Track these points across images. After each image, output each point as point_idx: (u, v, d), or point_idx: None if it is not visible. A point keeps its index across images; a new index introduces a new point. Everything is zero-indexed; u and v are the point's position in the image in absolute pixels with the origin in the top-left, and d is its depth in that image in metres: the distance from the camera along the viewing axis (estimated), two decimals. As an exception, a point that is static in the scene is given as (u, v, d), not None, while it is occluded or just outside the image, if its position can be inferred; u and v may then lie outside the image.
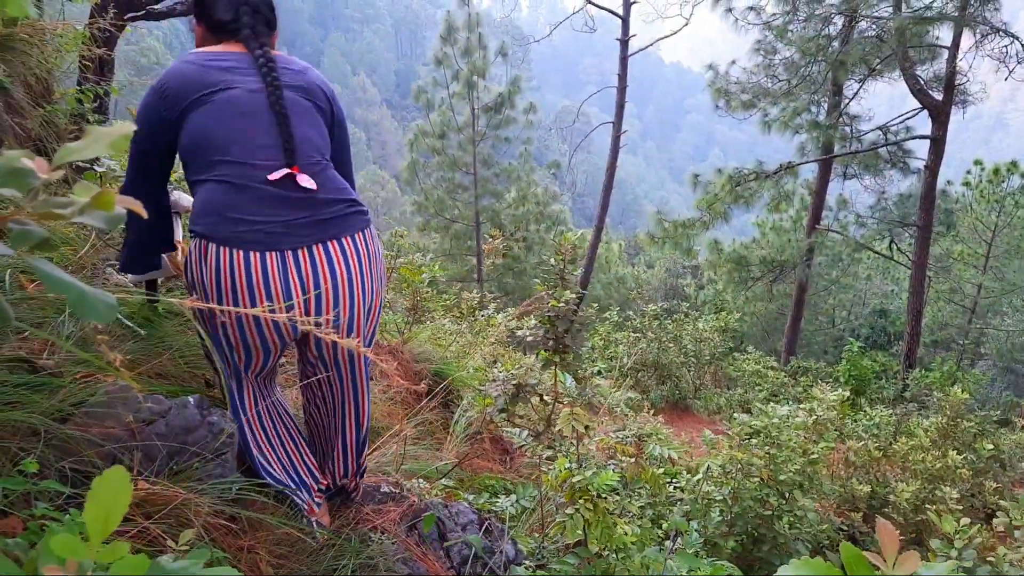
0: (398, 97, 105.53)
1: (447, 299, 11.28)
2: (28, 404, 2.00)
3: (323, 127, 2.41)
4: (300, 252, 2.22)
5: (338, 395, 2.57)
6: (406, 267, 5.72)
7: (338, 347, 2.41)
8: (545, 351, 5.40)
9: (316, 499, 2.61)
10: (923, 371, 17.53)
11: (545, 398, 5.56)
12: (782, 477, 6.61)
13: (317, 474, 2.66)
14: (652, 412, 12.53)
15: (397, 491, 2.91)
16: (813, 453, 7.08)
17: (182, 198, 2.80)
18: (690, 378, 12.54)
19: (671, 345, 12.15)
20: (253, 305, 2.16)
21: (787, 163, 18.93)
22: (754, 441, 6.96)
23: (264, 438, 2.53)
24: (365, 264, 2.36)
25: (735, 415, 12.05)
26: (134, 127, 1.01)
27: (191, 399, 2.28)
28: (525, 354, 12.04)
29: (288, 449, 2.59)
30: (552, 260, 5.43)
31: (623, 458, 3.87)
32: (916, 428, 9.56)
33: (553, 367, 5.47)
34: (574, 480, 2.79)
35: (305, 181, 2.22)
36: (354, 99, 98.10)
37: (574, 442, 3.13)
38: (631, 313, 15.09)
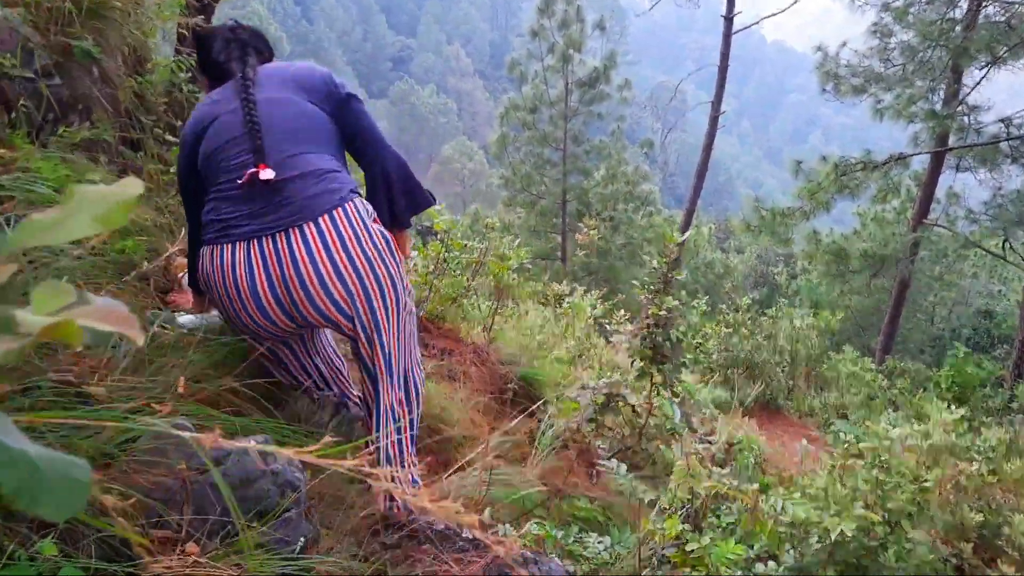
0: (491, 68, 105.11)
1: (534, 282, 10.91)
2: (68, 446, 1.71)
3: (318, 113, 2.50)
4: (264, 240, 2.28)
5: (369, 363, 2.53)
6: (494, 261, 5.36)
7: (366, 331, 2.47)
8: (642, 360, 4.99)
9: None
10: (1036, 382, 16.30)
11: (638, 409, 5.14)
12: (891, 505, 6.02)
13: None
14: (741, 413, 11.96)
15: (480, 539, 2.57)
16: (926, 480, 6.45)
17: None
18: (783, 378, 11.88)
19: (765, 343, 11.51)
20: (230, 294, 2.34)
21: (898, 154, 17.77)
22: (860, 463, 6.36)
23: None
24: (336, 245, 2.32)
25: (833, 424, 11.39)
26: (134, 191, 0.65)
27: (253, 440, 1.96)
28: (608, 341, 11.62)
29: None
30: (654, 262, 4.98)
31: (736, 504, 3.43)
32: (1035, 451, 8.71)
33: (649, 380, 5.06)
34: (689, 549, 2.40)
35: (266, 174, 2.26)
36: (447, 68, 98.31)
37: (682, 492, 2.72)
38: (721, 304, 14.43)
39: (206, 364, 2.37)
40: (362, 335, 2.44)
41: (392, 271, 2.45)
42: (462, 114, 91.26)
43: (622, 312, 9.03)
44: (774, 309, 14.90)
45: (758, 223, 18.50)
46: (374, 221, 2.46)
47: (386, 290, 2.43)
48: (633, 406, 5.05)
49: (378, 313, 2.42)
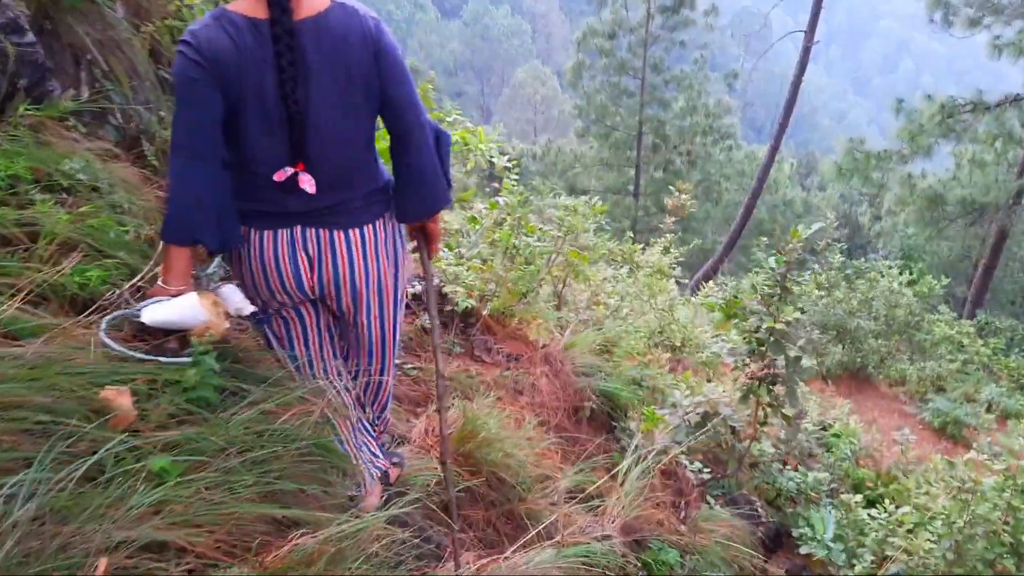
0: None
1: (606, 237, 9.92)
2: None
3: (360, 93, 2.12)
4: (308, 231, 2.24)
5: (355, 348, 2.59)
6: (574, 251, 4.44)
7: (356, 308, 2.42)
8: (751, 380, 4.08)
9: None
10: None
11: (739, 432, 4.27)
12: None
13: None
14: (828, 381, 10.90)
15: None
16: (1068, 509, 5.43)
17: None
18: (876, 345, 10.73)
19: (861, 309, 10.34)
20: (268, 271, 2.25)
21: (1015, 95, 15.85)
22: (988, 483, 5.35)
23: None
24: (369, 252, 2.33)
25: (931, 400, 10.26)
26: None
27: None
28: (689, 294, 10.60)
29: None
30: (772, 262, 4.00)
31: None
32: None
33: (755, 402, 4.15)
34: None
35: (307, 185, 2.13)
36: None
37: None
38: (815, 265, 13.20)
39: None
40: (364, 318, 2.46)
41: (392, 284, 2.45)
42: (536, 37, 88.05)
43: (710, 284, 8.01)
44: (862, 262, 13.57)
45: (851, 166, 16.93)
46: (393, 235, 2.42)
47: (385, 296, 2.45)
48: (734, 428, 4.17)
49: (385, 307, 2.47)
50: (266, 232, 2.19)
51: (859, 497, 5.74)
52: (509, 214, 4.89)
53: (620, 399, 4.35)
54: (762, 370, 3.95)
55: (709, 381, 7.03)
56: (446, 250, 4.36)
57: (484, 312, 4.22)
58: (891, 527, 5.57)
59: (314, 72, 2.00)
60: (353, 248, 2.27)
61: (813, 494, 5.59)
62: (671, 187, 21.42)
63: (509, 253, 4.25)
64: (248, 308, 2.18)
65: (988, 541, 4.97)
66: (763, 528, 4.24)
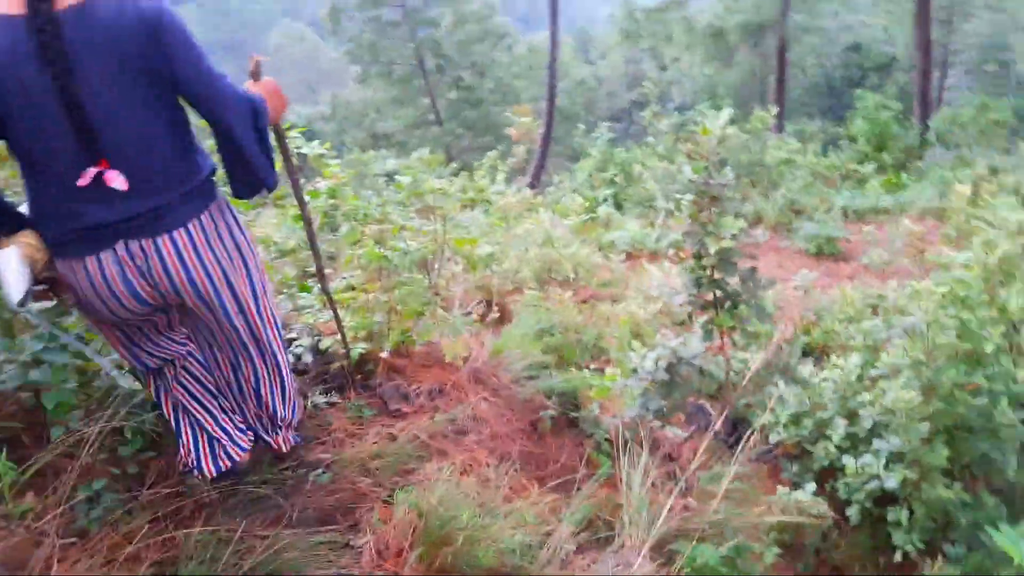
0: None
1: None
2: None
3: (145, 81, 1.90)
4: (131, 245, 2.03)
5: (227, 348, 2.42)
6: (459, 240, 3.51)
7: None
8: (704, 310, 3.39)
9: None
10: (948, 109, 15.62)
11: (712, 372, 3.61)
12: (988, 348, 4.82)
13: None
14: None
15: None
16: (1009, 303, 5.23)
17: None
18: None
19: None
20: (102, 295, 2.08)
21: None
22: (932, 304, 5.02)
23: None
24: (202, 249, 2.13)
25: (799, 228, 10.18)
26: None
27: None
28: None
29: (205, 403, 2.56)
30: (687, 168, 3.27)
31: None
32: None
33: (720, 334, 3.49)
34: None
35: (116, 182, 1.93)
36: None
37: None
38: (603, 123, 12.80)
39: None
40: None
41: (243, 275, 2.29)
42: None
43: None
44: (685, 117, 13.35)
45: (633, 27, 16.62)
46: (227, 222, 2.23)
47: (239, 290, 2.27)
48: (703, 370, 3.50)
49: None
50: (88, 259, 2.00)
51: (810, 367, 5.36)
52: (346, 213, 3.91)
53: (576, 388, 3.57)
54: (719, 297, 3.28)
55: (615, 302, 6.45)
56: (304, 293, 3.35)
57: (383, 353, 3.27)
58: (851, 384, 5.26)
59: (85, 63, 1.81)
60: (183, 250, 2.08)
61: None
62: (468, 103, 20.45)
63: (383, 268, 3.29)
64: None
65: (954, 366, 4.68)
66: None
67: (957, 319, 4.77)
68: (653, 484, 3.22)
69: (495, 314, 5.65)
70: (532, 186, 16.23)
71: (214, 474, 2.56)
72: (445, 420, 3.14)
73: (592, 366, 4.67)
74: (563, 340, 5.43)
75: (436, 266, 3.48)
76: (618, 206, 11.73)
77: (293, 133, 4.17)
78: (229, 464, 2.59)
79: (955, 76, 28.95)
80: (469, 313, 5.85)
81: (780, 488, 4.73)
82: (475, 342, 3.73)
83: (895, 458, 4.59)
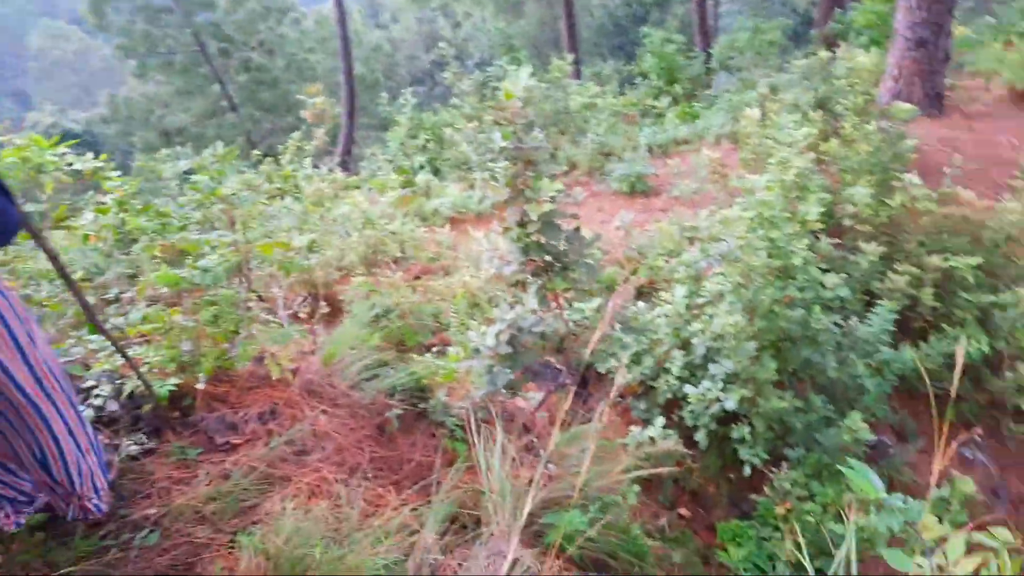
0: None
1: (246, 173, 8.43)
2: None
3: None
4: None
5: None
6: (265, 245, 3.18)
7: None
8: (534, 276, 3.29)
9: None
10: (725, 36, 16.49)
11: (552, 332, 3.54)
12: (797, 261, 5.09)
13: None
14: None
15: None
16: (808, 215, 5.55)
17: None
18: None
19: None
20: None
21: None
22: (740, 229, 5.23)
23: None
24: None
25: (611, 171, 10.41)
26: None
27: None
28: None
29: None
30: (497, 134, 3.12)
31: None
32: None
33: (552, 299, 3.41)
34: None
35: None
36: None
37: None
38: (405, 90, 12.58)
39: None
40: None
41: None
42: (23, -9, 73.90)
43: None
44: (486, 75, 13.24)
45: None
46: None
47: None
48: (543, 334, 3.43)
49: None
50: None
51: (641, 305, 5.49)
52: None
53: (420, 379, 3.40)
54: (543, 263, 3.20)
55: (448, 275, 6.30)
56: (92, 336, 2.94)
57: (199, 384, 2.93)
58: (681, 316, 5.43)
59: None
60: None
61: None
62: (263, 84, 19.45)
63: (184, 290, 2.93)
64: None
65: (770, 283, 4.92)
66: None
67: (767, 239, 5.02)
68: (513, 460, 3.14)
69: (324, 309, 5.35)
70: (344, 164, 15.66)
71: None
72: (282, 443, 2.88)
73: (435, 348, 4.51)
74: (401, 324, 5.22)
75: (246, 275, 3.16)
76: (436, 172, 11.51)
77: (61, 148, 3.69)
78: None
79: (727, 3, 30.65)
80: (295, 313, 5.52)
81: (632, 428, 4.84)
82: (306, 347, 3.45)
83: (731, 379, 4.80)
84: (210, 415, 2.94)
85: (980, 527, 1.53)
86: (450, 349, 4.16)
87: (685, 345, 5.20)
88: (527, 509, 2.67)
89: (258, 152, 12.75)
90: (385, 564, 2.33)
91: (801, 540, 4.41)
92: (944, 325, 5.87)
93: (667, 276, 6.16)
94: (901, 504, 1.44)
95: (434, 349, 4.26)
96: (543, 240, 3.26)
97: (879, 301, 5.64)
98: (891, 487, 5.47)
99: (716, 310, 4.98)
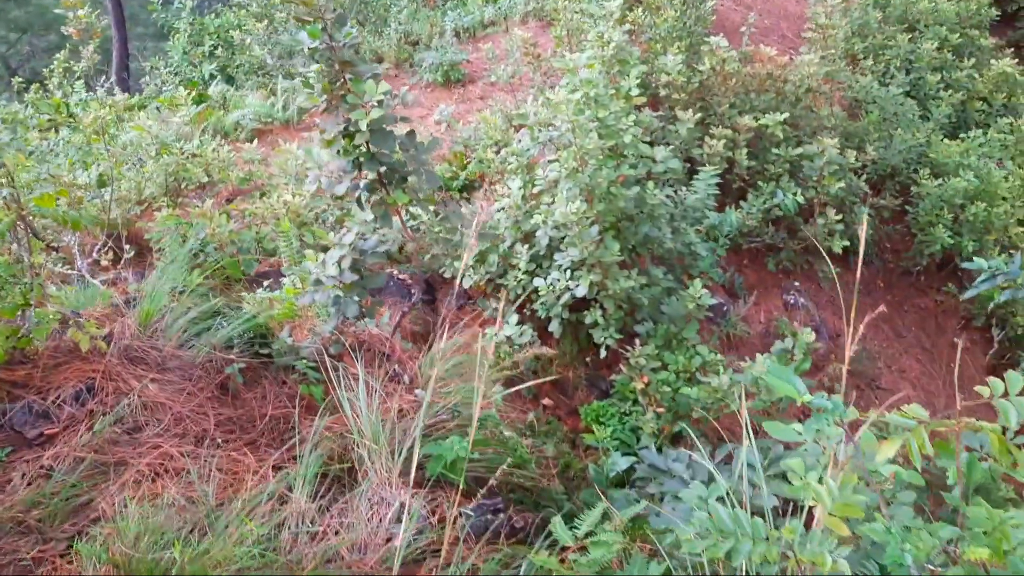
0: None
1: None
2: None
3: None
4: None
5: None
6: (43, 198, 2.59)
7: None
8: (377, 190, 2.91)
9: None
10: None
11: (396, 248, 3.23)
12: (627, 139, 4.98)
13: None
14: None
15: None
16: (631, 90, 5.40)
17: None
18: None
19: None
20: None
21: None
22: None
23: None
24: None
25: (420, 58, 9.84)
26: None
27: None
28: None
29: None
30: (303, 35, 2.65)
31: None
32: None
33: (394, 213, 3.06)
34: None
35: None
36: None
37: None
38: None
39: None
40: None
41: None
42: None
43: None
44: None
45: None
46: None
47: None
48: (388, 253, 3.12)
49: None
50: None
51: (478, 204, 5.26)
52: None
53: (258, 324, 3.01)
54: (377, 176, 2.85)
55: (264, 195, 5.71)
56: None
57: (-14, 376, 2.41)
58: (519, 208, 5.26)
59: None
60: None
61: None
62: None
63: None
64: None
65: (603, 164, 4.82)
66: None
67: (595, 119, 4.88)
68: (377, 392, 2.89)
69: (129, 252, 4.71)
70: (122, 83, 13.91)
71: None
72: (109, 424, 2.47)
73: (267, 280, 4.08)
74: (221, 257, 4.71)
75: (26, 230, 2.60)
76: (229, 80, 10.43)
77: None
78: None
79: None
80: (96, 262, 4.83)
81: (487, 330, 4.72)
82: (119, 303, 2.95)
83: (577, 266, 4.76)
84: (13, 405, 2.45)
85: (891, 408, 1.48)
86: (284, 280, 3.76)
87: (527, 238, 5.08)
88: (406, 447, 2.45)
89: (20, 78, 11.01)
90: (256, 543, 2.05)
91: (660, 410, 4.56)
92: (760, 182, 6.11)
93: (499, 168, 5.95)
94: (827, 403, 1.34)
95: (265, 284, 3.84)
96: (375, 150, 2.90)
97: (701, 168, 5.74)
98: (729, 344, 5.80)
99: (554, 198, 4.85)
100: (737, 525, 1.49)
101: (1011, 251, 6.42)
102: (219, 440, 2.52)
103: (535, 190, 5.10)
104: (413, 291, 4.95)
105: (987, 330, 6.55)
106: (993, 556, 1.44)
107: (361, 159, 2.92)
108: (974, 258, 3.42)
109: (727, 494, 3.58)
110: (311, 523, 2.21)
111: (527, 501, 2.97)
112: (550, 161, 4.97)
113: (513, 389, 2.83)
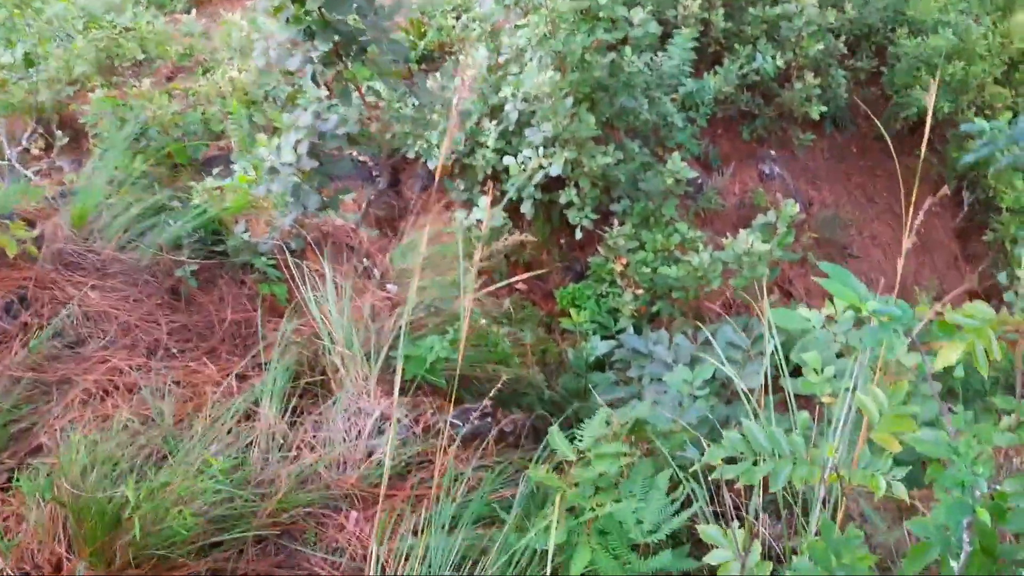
0: None
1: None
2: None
3: None
4: None
5: None
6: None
7: None
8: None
9: None
10: None
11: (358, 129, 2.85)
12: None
13: None
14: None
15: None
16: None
17: None
18: None
19: None
20: None
21: None
22: None
23: None
24: None
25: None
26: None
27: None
28: None
29: None
30: None
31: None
32: None
33: (358, 89, 2.65)
34: None
35: None
36: None
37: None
38: None
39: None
40: None
41: None
42: None
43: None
44: None
45: None
46: None
47: None
48: (349, 136, 2.75)
49: None
50: None
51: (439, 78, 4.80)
52: None
53: (210, 217, 2.66)
54: (335, 48, 2.45)
55: (208, 72, 5.16)
56: None
57: None
58: (486, 79, 4.83)
59: None
60: None
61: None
62: None
63: None
64: None
65: (577, 28, 4.38)
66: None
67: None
68: (346, 290, 2.62)
69: (63, 139, 4.24)
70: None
71: None
72: (48, 338, 2.17)
73: (216, 166, 3.67)
74: (166, 142, 4.27)
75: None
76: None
77: None
78: None
79: None
80: (26, 150, 4.35)
81: (456, 214, 4.41)
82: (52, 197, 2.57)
83: (550, 143, 4.42)
84: (-68, 325, 2.13)
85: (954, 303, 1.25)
86: (235, 167, 3.37)
87: (495, 113, 4.68)
88: (378, 347, 2.21)
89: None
90: (223, 471, 1.81)
91: (639, 291, 4.37)
92: (736, 45, 5.71)
93: (460, 36, 5.45)
94: (895, 310, 1.10)
95: (215, 171, 3.45)
96: (330, 17, 2.48)
97: (675, 30, 5.32)
98: (704, 218, 5.57)
99: (523, 68, 4.43)
100: (773, 443, 1.28)
101: (986, 112, 6.20)
102: (174, 350, 2.25)
103: (501, 59, 4.66)
104: (376, 175, 4.59)
105: (957, 193, 6.43)
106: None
107: (314, 28, 2.51)
108: (974, 120, 3.16)
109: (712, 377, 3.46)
110: (284, 440, 1.98)
111: (509, 399, 2.78)
112: (517, 27, 4.52)
113: (495, 287, 2.55)
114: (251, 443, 1.95)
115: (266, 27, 2.62)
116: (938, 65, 6.05)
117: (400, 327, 2.40)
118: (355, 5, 2.51)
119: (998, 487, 1.19)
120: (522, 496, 1.87)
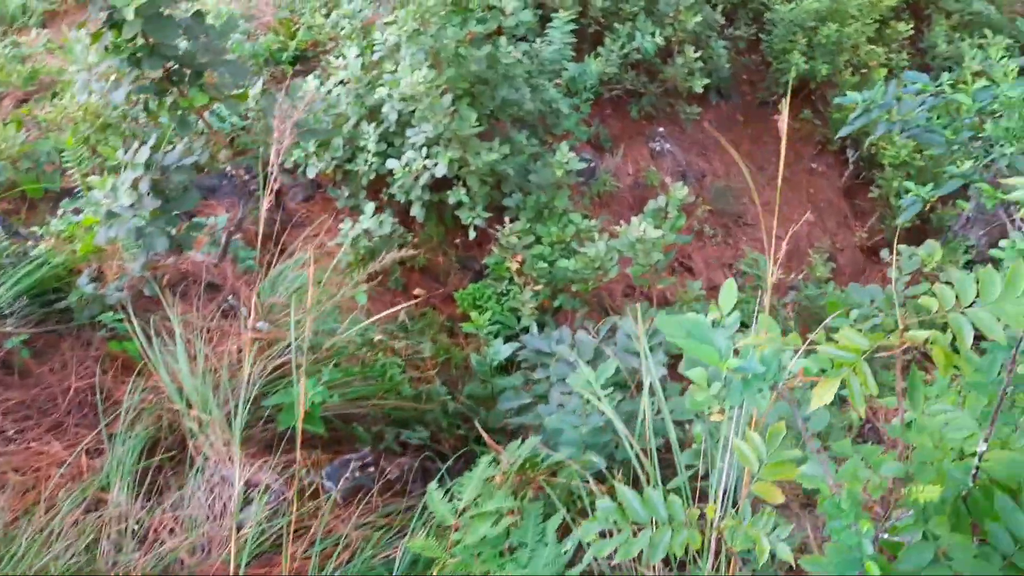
0: None
1: None
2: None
3: None
4: None
5: None
6: None
7: None
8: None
9: None
10: None
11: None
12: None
13: None
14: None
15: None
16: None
17: None
18: None
19: None
20: None
21: None
22: None
23: None
24: None
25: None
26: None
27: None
28: None
29: None
30: None
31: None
32: None
33: (198, 115, 2.35)
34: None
35: None
36: None
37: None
38: None
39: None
40: None
41: None
42: None
43: None
44: None
45: None
46: None
47: None
48: (197, 165, 2.48)
49: None
50: None
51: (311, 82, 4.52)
52: None
53: (45, 273, 2.35)
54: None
55: (57, 96, 4.72)
56: None
57: None
58: (360, 80, 4.58)
59: None
60: None
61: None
62: None
63: None
64: None
65: (448, 21, 4.17)
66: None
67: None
68: (209, 332, 2.39)
69: None
70: None
71: None
72: None
73: (60, 211, 3.31)
74: (11, 174, 3.89)
75: None
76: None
77: None
78: None
79: None
80: None
81: (342, 225, 4.18)
82: None
83: (433, 142, 4.22)
84: None
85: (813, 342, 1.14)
86: (83, 201, 3.05)
87: (373, 114, 4.44)
88: (242, 400, 1.99)
89: None
90: (68, 568, 1.59)
91: (538, 288, 4.24)
92: (616, 24, 5.61)
93: (332, 34, 5.16)
94: (760, 368, 0.98)
95: (60, 211, 3.10)
96: (155, 42, 2.21)
97: (553, 14, 5.18)
98: (600, 202, 5.48)
99: (398, 66, 4.21)
100: (649, 510, 1.16)
101: (863, 71, 6.32)
102: (10, 432, 1.98)
103: (375, 56, 4.43)
104: (254, 188, 4.30)
105: (841, 152, 6.55)
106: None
107: (139, 55, 2.23)
108: (847, 93, 3.14)
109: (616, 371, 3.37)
110: (138, 526, 1.76)
111: (407, 422, 2.61)
112: (387, 23, 4.28)
113: (388, 312, 2.35)
114: (100, 534, 1.72)
115: (84, 57, 2.33)
116: (814, 28, 6.12)
117: (269, 373, 2.19)
118: (182, 26, 2.23)
119: (887, 531, 1.10)
120: (407, 555, 1.71)
